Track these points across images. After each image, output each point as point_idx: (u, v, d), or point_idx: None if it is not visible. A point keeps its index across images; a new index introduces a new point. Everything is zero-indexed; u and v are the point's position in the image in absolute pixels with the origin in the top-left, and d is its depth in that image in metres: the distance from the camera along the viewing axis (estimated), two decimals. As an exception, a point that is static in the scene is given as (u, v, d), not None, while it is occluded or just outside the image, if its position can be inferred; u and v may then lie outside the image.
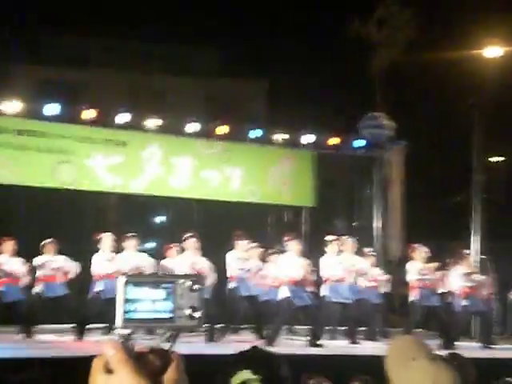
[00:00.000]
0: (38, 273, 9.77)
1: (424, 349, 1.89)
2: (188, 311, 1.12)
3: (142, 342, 1.16)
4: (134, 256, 9.88)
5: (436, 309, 9.71)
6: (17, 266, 9.54)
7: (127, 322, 1.11)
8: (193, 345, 8.75)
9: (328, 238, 10.17)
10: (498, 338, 12.17)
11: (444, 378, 1.77)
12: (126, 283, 1.12)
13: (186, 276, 1.15)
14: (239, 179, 13.56)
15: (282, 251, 9.91)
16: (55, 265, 9.80)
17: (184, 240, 9.43)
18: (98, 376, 1.07)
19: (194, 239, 9.31)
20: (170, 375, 1.09)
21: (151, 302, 1.12)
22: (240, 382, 2.28)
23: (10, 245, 9.53)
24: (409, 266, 10.07)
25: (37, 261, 9.80)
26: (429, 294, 9.74)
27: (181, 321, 1.12)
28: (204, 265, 9.36)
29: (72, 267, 9.96)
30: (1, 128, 11.75)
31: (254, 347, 2.57)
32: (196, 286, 1.14)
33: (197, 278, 1.15)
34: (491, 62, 14.06)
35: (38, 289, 9.81)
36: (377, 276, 11.25)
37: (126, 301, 1.11)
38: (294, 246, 9.18)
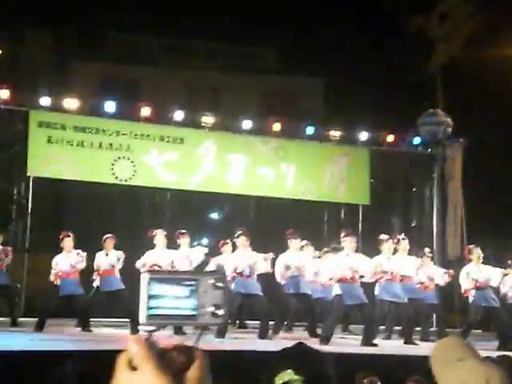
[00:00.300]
0: (96, 267, 9.99)
1: (470, 350, 1.85)
2: (211, 309, 1.11)
3: (167, 339, 1.15)
4: (189, 251, 10.00)
5: (495, 309, 9.45)
6: (75, 259, 9.75)
7: (151, 318, 1.11)
8: (245, 341, 8.85)
9: (382, 236, 10.05)
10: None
11: (496, 379, 1.73)
12: (150, 280, 1.12)
13: (209, 273, 1.14)
14: (294, 176, 13.50)
15: (338, 249, 9.83)
16: (111, 260, 9.97)
17: (236, 237, 9.46)
18: (123, 372, 1.07)
19: (244, 237, 9.32)
20: (193, 373, 1.08)
21: (175, 299, 1.11)
22: (283, 382, 2.26)
23: (69, 240, 9.76)
24: (464, 268, 9.86)
25: (97, 256, 10.02)
26: (486, 295, 9.49)
27: (204, 318, 1.11)
28: (255, 260, 9.33)
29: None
30: (60, 124, 12.06)
31: (299, 343, 2.54)
32: (219, 284, 1.13)
33: (220, 275, 1.14)
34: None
35: (96, 283, 10.02)
36: (434, 275, 11.03)
37: (150, 297, 1.11)
38: (349, 243, 9.07)
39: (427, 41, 16.42)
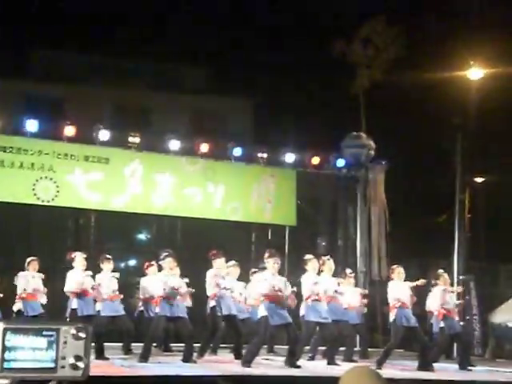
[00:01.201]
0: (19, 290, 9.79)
1: (377, 381, 1.83)
2: (71, 360, 1.07)
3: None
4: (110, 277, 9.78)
5: (415, 329, 9.62)
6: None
7: (6, 371, 1.05)
8: (169, 365, 8.69)
9: (307, 256, 10.11)
10: (478, 359, 12.18)
11: None
12: (5, 330, 1.06)
13: (70, 323, 1.10)
14: (222, 197, 13.50)
15: (264, 269, 9.81)
16: (36, 283, 9.81)
17: (162, 259, 9.33)
18: None
19: (170, 258, 9.21)
20: None
21: (32, 351, 1.06)
22: None
23: None
24: (389, 285, 10.02)
25: (20, 279, 9.80)
26: (407, 314, 9.64)
27: (63, 371, 1.07)
28: (178, 284, 9.24)
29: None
30: (-19, 144, 11.72)
31: (219, 376, 2.51)
32: (81, 334, 1.08)
33: (82, 325, 1.10)
34: (474, 83, 14.14)
35: (16, 307, 9.77)
36: (357, 296, 11.21)
37: (5, 349, 1.06)
38: (272, 264, 9.07)
39: (350, 65, 16.75)
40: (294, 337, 8.88)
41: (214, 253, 10.04)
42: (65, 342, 1.07)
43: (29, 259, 9.92)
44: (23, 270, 9.92)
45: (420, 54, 16.52)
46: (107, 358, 8.61)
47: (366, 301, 11.40)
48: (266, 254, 9.13)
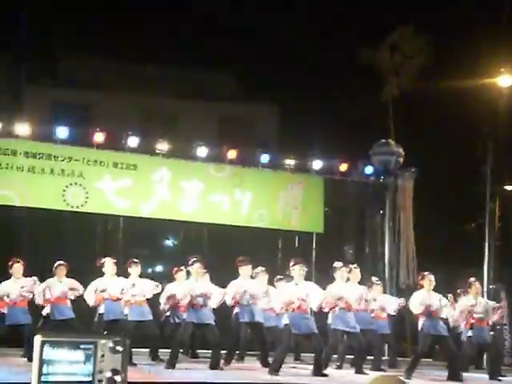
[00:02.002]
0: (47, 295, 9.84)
1: None
2: (108, 374, 1.05)
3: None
4: (138, 281, 9.89)
5: (443, 338, 9.47)
6: (26, 287, 9.49)
7: None
8: (196, 371, 8.69)
9: (336, 264, 10.05)
10: (509, 369, 11.98)
11: None
12: (43, 343, 1.05)
13: (107, 336, 1.08)
14: (249, 204, 13.51)
15: (290, 277, 9.77)
16: (63, 288, 9.87)
17: (190, 264, 9.33)
18: None
19: (198, 264, 9.20)
20: None
21: (69, 364, 1.04)
22: None
23: (18, 266, 9.52)
24: (414, 294, 9.90)
25: (48, 283, 9.87)
26: (436, 323, 9.49)
27: None
28: (206, 289, 9.22)
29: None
30: (12, 150, 11.83)
31: None
32: (118, 348, 1.06)
33: (119, 338, 1.08)
34: (504, 90, 13.98)
35: (45, 311, 9.86)
36: (385, 304, 11.10)
37: (43, 362, 1.04)
38: (297, 272, 8.99)
39: (378, 73, 16.67)
40: (319, 346, 8.81)
41: (240, 260, 10.00)
42: (102, 356, 1.06)
43: (56, 264, 9.95)
44: (51, 276, 9.94)
45: (449, 62, 16.40)
46: (135, 364, 8.63)
47: (399, 307, 11.22)
48: (292, 263, 9.07)
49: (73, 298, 9.93)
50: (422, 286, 9.75)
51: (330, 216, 14.29)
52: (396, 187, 14.38)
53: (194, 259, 9.26)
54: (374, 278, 11.19)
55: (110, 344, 1.07)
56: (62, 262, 9.98)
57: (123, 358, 1.07)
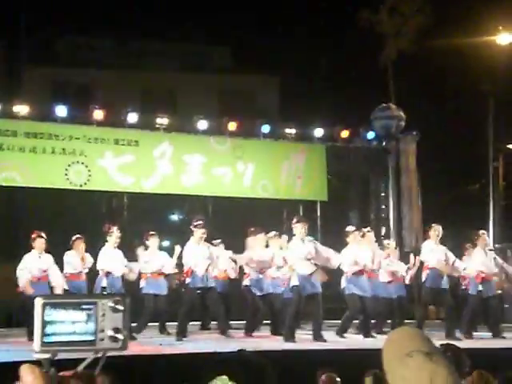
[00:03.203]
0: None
1: (422, 342, 1.71)
2: (110, 333, 1.07)
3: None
4: (157, 254, 9.97)
5: (443, 292, 9.51)
6: (47, 262, 9.49)
7: (46, 345, 1.06)
8: (205, 342, 8.74)
9: (348, 228, 10.04)
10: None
11: (440, 378, 1.59)
12: (45, 305, 1.06)
13: (107, 296, 1.10)
14: (252, 175, 13.52)
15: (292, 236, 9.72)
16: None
17: (194, 226, 9.22)
18: None
19: (202, 230, 9.15)
20: None
21: (71, 324, 1.06)
22: None
23: (41, 241, 9.45)
24: (424, 245, 9.92)
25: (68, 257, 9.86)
26: (437, 276, 9.52)
27: (103, 343, 1.07)
28: (211, 254, 9.23)
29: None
30: (12, 131, 11.80)
31: (240, 350, 2.49)
32: (119, 306, 1.08)
33: (119, 297, 1.10)
34: (504, 48, 13.85)
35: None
36: (398, 269, 11.07)
37: (45, 323, 1.06)
38: (299, 229, 8.90)
39: (377, 36, 16.52)
40: (318, 310, 8.79)
41: (252, 230, 9.97)
42: (103, 315, 1.07)
43: (74, 237, 9.88)
44: (61, 253, 9.91)
45: (447, 22, 16.19)
46: (134, 338, 8.69)
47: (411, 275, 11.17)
48: (294, 220, 9.02)
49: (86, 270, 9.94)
50: (428, 237, 9.75)
51: (333, 184, 14.29)
52: (398, 151, 14.39)
53: (200, 222, 9.16)
54: (385, 242, 11.15)
55: (111, 303, 1.09)
56: (78, 235, 9.94)
57: (124, 316, 1.08)
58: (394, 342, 1.74)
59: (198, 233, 9.09)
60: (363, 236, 9.96)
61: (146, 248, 9.99)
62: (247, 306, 10.14)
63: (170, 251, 10.59)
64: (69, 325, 1.07)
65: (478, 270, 9.78)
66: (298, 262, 8.79)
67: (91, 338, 1.08)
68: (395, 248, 11.31)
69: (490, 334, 9.78)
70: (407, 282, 11.03)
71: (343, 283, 9.70)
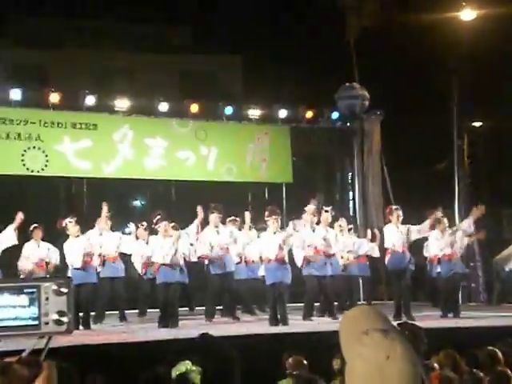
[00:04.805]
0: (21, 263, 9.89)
1: (379, 320, 1.74)
2: (55, 316, 1.06)
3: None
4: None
5: (403, 273, 9.68)
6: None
7: None
8: (187, 329, 8.72)
9: (307, 208, 10.05)
10: (484, 305, 12.32)
11: (397, 354, 1.61)
12: None
13: (51, 279, 1.09)
14: (215, 158, 13.51)
15: (263, 229, 9.89)
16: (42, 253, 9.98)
17: (155, 223, 9.30)
18: None
19: (165, 222, 9.23)
20: None
21: (13, 309, 1.05)
22: (179, 373, 2.23)
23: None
24: (385, 229, 10.05)
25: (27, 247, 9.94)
26: (401, 258, 9.68)
27: (47, 327, 1.06)
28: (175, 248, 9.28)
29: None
30: (-35, 117, 11.60)
31: (203, 334, 2.51)
32: (63, 289, 1.07)
33: (64, 280, 1.09)
34: (467, 24, 13.96)
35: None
36: (358, 246, 11.30)
37: None
38: (271, 222, 9.08)
39: (340, 11, 16.52)
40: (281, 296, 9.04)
41: (212, 207, 10.04)
42: (47, 299, 1.07)
43: (32, 226, 9.93)
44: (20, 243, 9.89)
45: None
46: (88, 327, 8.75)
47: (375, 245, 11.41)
48: (266, 213, 9.13)
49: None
50: (389, 221, 9.89)
51: (298, 165, 14.35)
52: (363, 131, 14.47)
53: (158, 217, 9.21)
54: (341, 220, 11.24)
55: (54, 286, 1.08)
56: (36, 224, 9.98)
57: (68, 299, 1.08)
58: (351, 320, 1.75)
59: (161, 227, 9.19)
60: (320, 215, 10.09)
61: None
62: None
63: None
64: (10, 309, 1.06)
65: (436, 252, 10.02)
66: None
67: (35, 322, 1.07)
68: (349, 229, 11.45)
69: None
70: (374, 254, 11.22)
71: (299, 263, 9.83)
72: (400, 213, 9.84)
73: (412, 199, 13.58)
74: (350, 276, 10.99)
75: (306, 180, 14.57)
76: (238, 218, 10.87)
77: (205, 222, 10.11)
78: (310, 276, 9.66)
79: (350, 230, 11.56)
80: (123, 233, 10.90)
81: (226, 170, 13.56)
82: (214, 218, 9.95)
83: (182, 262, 9.27)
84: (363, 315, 1.75)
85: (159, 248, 9.22)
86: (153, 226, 9.43)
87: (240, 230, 10.55)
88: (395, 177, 14.73)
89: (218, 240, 9.96)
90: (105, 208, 9.65)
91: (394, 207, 10.07)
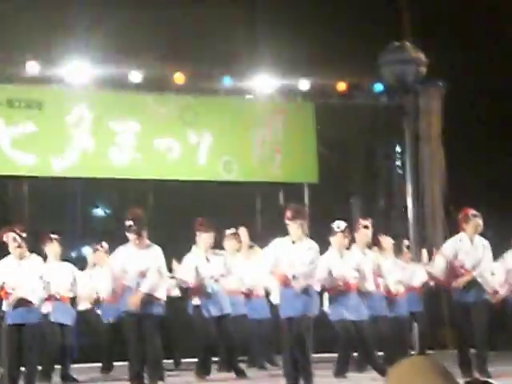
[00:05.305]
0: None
1: (437, 376, 1.89)
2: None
3: None
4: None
5: (479, 306, 9.50)
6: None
7: None
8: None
9: (335, 225, 9.75)
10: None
11: None
12: None
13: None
14: (209, 149, 13.61)
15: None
16: None
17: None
18: None
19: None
20: None
21: None
22: None
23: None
24: (449, 241, 9.90)
25: None
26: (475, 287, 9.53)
27: None
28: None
29: None
30: None
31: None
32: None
33: None
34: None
35: None
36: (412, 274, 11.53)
37: None
38: (294, 228, 8.64)
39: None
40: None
41: (200, 223, 9.92)
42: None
43: None
44: None
45: None
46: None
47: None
48: (289, 214, 8.72)
49: None
50: (462, 230, 9.74)
51: (326, 158, 14.40)
52: (418, 110, 14.47)
53: (130, 223, 9.10)
54: (405, 242, 11.72)
55: None
56: None
57: None
58: (399, 377, 1.91)
59: (131, 238, 9.08)
60: (357, 231, 10.11)
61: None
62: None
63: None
64: None
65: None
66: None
67: None
68: (406, 248, 11.74)
69: None
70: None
71: (326, 305, 9.79)
72: (480, 222, 9.65)
73: (482, 200, 13.33)
74: (398, 316, 10.97)
75: (338, 179, 14.73)
76: (239, 232, 11.15)
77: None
78: (342, 322, 9.54)
79: (406, 247, 11.80)
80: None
81: (224, 165, 13.64)
82: (205, 238, 9.93)
83: None
84: (415, 370, 1.91)
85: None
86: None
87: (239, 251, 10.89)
88: (460, 172, 14.66)
89: (208, 269, 9.95)
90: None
91: (472, 213, 9.76)
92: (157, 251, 9.06)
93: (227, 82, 13.56)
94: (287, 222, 8.71)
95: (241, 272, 10.73)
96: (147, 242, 9.10)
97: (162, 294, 9.06)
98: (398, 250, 11.55)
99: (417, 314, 11.88)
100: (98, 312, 11.08)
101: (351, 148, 15.22)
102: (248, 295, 11.02)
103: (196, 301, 9.97)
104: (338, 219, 10.08)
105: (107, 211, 16.48)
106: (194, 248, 10.08)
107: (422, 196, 14.53)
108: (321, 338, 10.45)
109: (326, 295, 9.75)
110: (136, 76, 12.95)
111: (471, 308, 9.55)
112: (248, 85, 13.80)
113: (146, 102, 13.19)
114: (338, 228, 9.70)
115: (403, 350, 10.82)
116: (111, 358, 11.15)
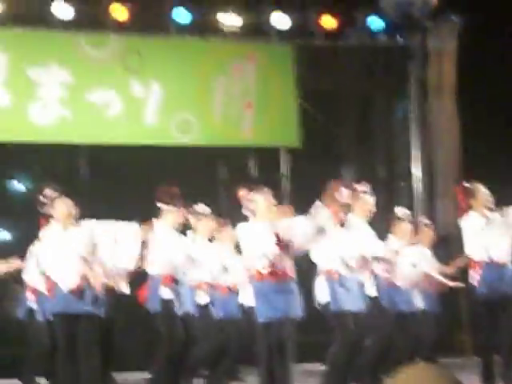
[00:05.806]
0: None
1: None
2: None
3: None
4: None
5: (504, 303, 9.37)
6: None
7: None
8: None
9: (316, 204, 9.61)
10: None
11: None
12: None
13: None
14: (159, 104, 13.82)
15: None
16: None
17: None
18: None
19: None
20: None
21: None
22: None
23: None
24: (464, 223, 9.71)
25: None
26: (500, 275, 9.40)
27: None
28: None
29: None
30: None
31: None
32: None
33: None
34: None
35: None
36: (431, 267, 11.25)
37: None
38: (260, 203, 8.39)
39: None
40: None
41: (165, 191, 9.41)
42: None
43: None
44: None
45: None
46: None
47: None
48: (244, 191, 8.57)
49: None
50: (469, 208, 9.64)
51: (309, 116, 14.50)
52: (426, 53, 14.62)
53: (53, 194, 8.80)
54: (399, 210, 11.06)
55: None
56: None
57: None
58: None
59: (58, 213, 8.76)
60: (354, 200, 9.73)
61: None
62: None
63: (13, 246, 11.78)
64: None
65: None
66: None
67: None
68: (425, 226, 11.48)
69: None
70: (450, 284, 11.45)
71: (322, 292, 9.29)
72: (487, 195, 9.53)
73: (503, 176, 13.42)
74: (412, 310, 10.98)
75: (325, 142, 14.79)
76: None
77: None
78: (340, 314, 9.13)
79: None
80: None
81: (180, 124, 13.82)
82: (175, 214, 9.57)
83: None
84: (418, 379, 2.15)
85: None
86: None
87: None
88: (476, 135, 14.56)
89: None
90: None
91: (479, 188, 9.65)
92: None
93: (182, 17, 13.60)
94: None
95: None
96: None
97: None
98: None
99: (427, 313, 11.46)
100: None
101: (341, 102, 15.33)
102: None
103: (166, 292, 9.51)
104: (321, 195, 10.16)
105: (27, 185, 16.34)
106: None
107: (430, 163, 14.72)
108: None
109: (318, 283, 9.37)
110: (64, 9, 12.96)
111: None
112: (209, 21, 13.83)
113: (77, 43, 13.28)
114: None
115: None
116: None
